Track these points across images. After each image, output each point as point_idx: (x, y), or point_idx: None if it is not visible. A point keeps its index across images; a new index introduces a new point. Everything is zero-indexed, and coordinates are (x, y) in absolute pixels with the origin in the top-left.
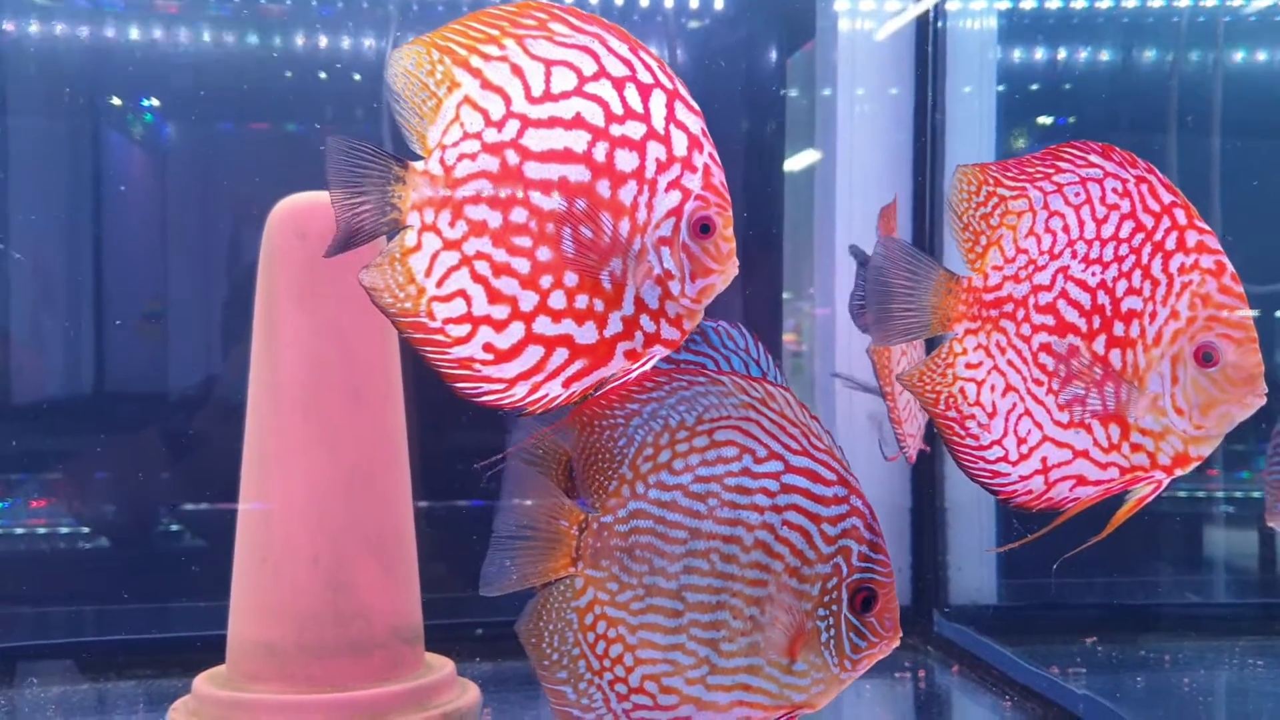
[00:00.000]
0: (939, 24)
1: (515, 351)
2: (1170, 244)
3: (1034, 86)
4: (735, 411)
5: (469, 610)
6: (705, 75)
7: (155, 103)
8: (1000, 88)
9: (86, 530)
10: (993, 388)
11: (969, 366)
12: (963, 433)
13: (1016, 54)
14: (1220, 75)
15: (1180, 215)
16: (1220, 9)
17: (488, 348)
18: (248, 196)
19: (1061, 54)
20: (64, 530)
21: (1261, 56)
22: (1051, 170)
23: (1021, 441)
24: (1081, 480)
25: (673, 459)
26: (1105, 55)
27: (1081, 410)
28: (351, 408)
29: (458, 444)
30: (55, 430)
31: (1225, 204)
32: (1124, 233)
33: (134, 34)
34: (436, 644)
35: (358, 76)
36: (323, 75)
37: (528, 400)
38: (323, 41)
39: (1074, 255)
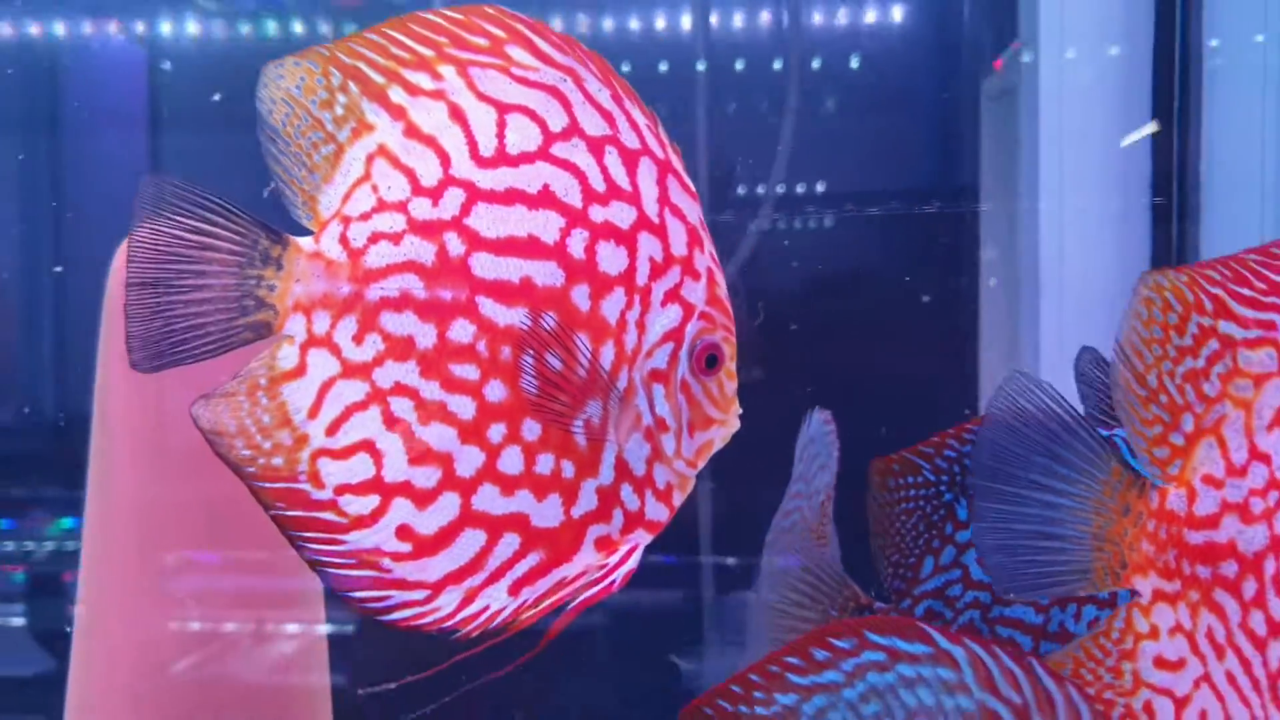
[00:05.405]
0: None
1: (445, 539)
2: None
3: None
4: None
5: None
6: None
7: None
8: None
9: None
10: (1203, 715)
11: (1163, 666)
12: None
13: None
14: None
15: None
16: None
17: (404, 532)
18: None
19: None
20: None
21: None
22: None
23: None
24: None
25: None
26: None
27: None
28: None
29: None
30: None
31: None
32: None
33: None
34: None
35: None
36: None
37: (459, 616)
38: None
39: None
